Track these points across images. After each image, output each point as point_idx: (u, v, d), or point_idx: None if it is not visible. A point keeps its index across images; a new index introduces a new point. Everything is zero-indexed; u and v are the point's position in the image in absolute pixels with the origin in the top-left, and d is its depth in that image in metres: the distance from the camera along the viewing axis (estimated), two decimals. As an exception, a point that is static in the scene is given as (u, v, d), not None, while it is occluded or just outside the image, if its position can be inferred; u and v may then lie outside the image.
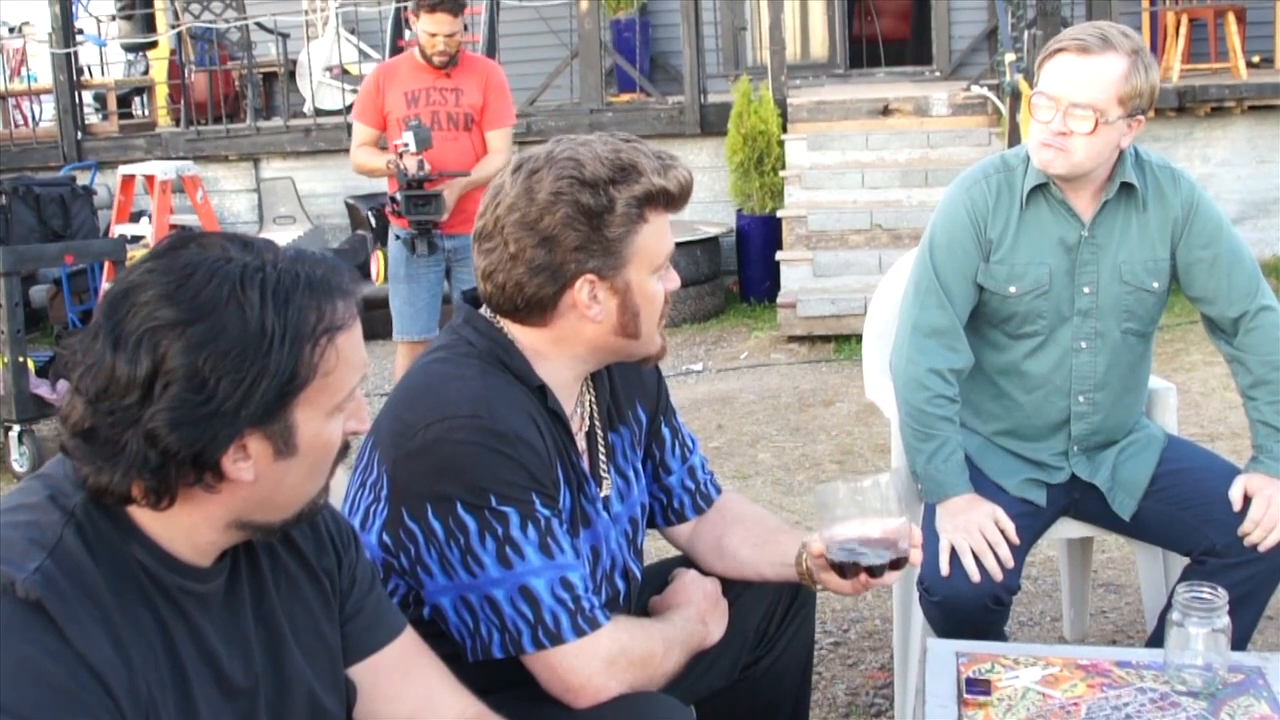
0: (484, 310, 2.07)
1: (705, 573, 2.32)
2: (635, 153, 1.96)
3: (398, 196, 5.49)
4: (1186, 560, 2.86)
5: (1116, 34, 2.68)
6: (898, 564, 2.04)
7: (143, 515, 1.45)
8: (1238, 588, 2.51)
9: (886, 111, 9.61)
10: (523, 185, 1.94)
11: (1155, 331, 2.96)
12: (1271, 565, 2.73)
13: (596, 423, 2.18)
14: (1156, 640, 2.83)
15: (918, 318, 2.86)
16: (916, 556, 2.07)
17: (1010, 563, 2.67)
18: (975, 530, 2.67)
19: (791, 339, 8.14)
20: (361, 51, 10.90)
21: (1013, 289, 2.83)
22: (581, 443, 2.12)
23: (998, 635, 2.75)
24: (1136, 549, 3.18)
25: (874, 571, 2.03)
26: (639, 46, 11.26)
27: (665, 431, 2.34)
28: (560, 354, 2.03)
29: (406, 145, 5.38)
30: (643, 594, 2.28)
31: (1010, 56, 8.74)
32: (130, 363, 1.37)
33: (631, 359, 2.10)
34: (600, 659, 1.90)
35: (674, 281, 2.07)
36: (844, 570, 2.05)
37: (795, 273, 8.50)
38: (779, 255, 8.67)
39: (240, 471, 1.43)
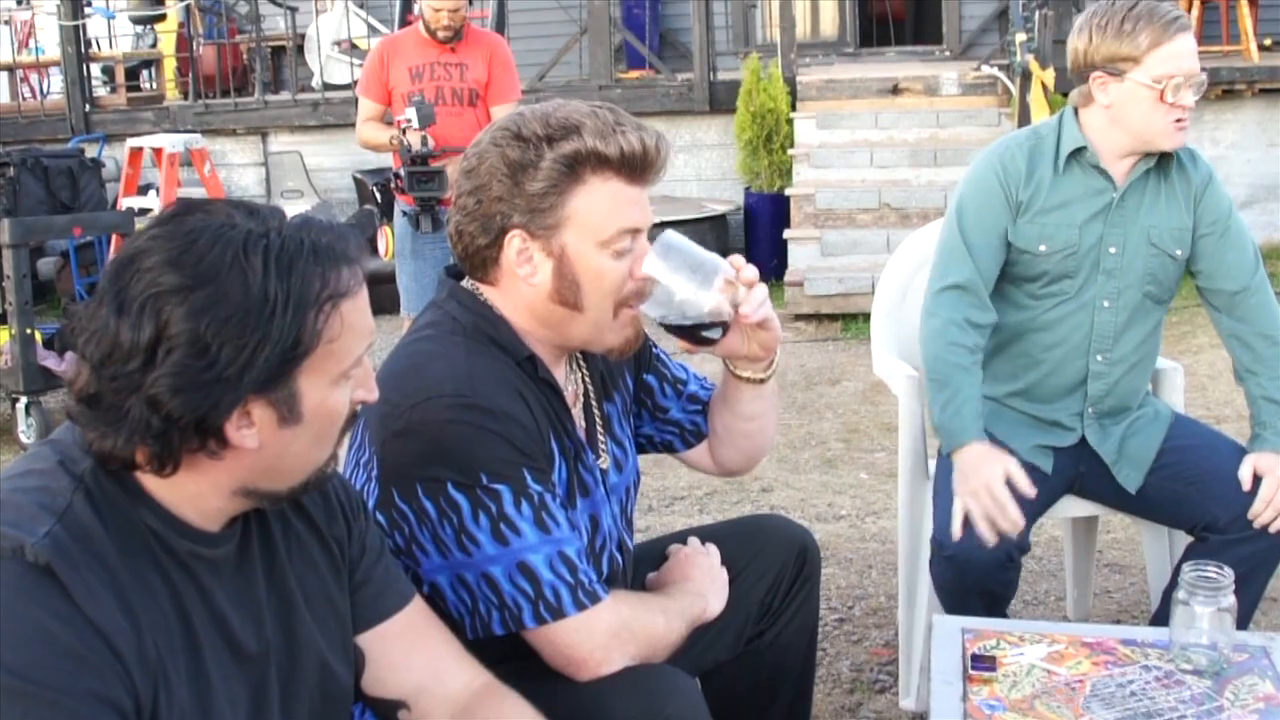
0: (466, 282, 2.06)
1: (723, 468, 2.38)
2: (588, 116, 1.92)
3: (401, 173, 5.48)
4: (1191, 539, 2.87)
5: None
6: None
7: (151, 481, 1.45)
8: (1240, 565, 2.52)
9: (896, 91, 9.58)
10: (480, 135, 1.98)
11: (1169, 303, 3.00)
12: (1273, 543, 2.75)
13: (591, 394, 2.17)
14: (1161, 618, 2.85)
15: (942, 275, 2.91)
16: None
17: (1021, 521, 2.64)
18: (984, 492, 2.65)
19: (798, 317, 8.13)
20: (370, 26, 10.86)
21: (1042, 247, 2.88)
22: (579, 415, 2.11)
23: (1006, 597, 2.79)
24: (1142, 528, 3.18)
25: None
26: (648, 23, 11.23)
27: (650, 379, 2.33)
28: (529, 321, 2.00)
29: (410, 121, 5.37)
30: (639, 570, 2.28)
31: (1021, 36, 8.70)
32: (133, 328, 1.37)
33: (589, 346, 2.06)
34: (602, 632, 1.90)
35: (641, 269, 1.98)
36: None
37: (803, 251, 8.50)
38: (787, 233, 8.66)
39: (244, 438, 1.43)
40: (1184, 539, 2.93)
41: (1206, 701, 2.11)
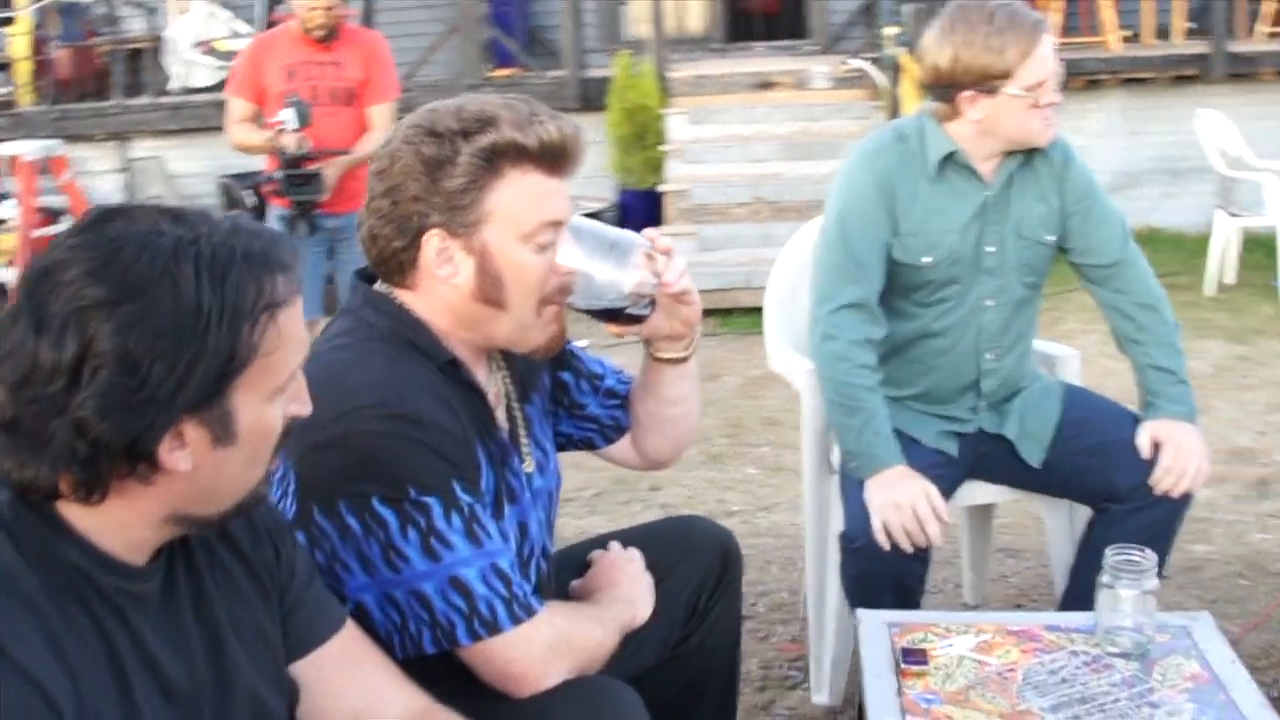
0: (379, 285, 1.98)
1: (648, 462, 2.35)
2: (503, 108, 1.87)
3: (277, 175, 5.34)
4: (1091, 514, 2.92)
5: None
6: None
7: (73, 512, 1.35)
8: (1144, 533, 2.59)
9: (767, 85, 9.63)
10: (389, 135, 1.91)
11: (1044, 285, 3.03)
12: (1172, 509, 2.81)
13: (512, 396, 2.11)
14: (1071, 599, 2.91)
15: (833, 294, 2.86)
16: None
17: (940, 542, 2.68)
18: (908, 507, 2.66)
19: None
20: (232, 28, 10.62)
21: (926, 259, 2.86)
22: (502, 417, 2.05)
23: (917, 590, 2.79)
24: (1042, 508, 3.22)
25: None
26: (516, 20, 11.14)
27: (566, 376, 2.27)
28: (447, 325, 1.93)
29: (285, 122, 5.23)
30: (560, 578, 2.23)
31: (893, 30, 8.81)
32: (55, 346, 1.27)
33: (512, 346, 2.00)
34: (540, 645, 1.84)
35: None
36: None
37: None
38: (662, 229, 8.62)
39: (177, 461, 1.34)
40: (1082, 519, 2.97)
41: (1137, 684, 2.13)
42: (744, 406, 6.15)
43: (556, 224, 1.91)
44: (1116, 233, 2.96)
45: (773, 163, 8.97)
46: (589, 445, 2.35)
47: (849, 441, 2.81)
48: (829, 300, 2.86)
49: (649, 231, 2.01)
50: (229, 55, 9.95)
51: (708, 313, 7.84)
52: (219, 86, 9.81)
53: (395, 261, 1.91)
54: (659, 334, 2.13)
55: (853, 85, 9.56)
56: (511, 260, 1.88)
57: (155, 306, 1.29)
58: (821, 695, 3.18)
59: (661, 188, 8.90)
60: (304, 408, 1.48)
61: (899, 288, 2.90)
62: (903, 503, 2.66)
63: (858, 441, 2.78)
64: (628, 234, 1.98)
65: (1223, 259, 7.82)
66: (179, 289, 1.30)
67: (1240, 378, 6.23)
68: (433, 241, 1.87)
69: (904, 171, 2.86)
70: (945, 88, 2.79)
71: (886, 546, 2.65)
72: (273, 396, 1.41)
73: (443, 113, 1.87)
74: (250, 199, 8.59)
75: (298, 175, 5.25)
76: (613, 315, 1.99)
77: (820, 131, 9.18)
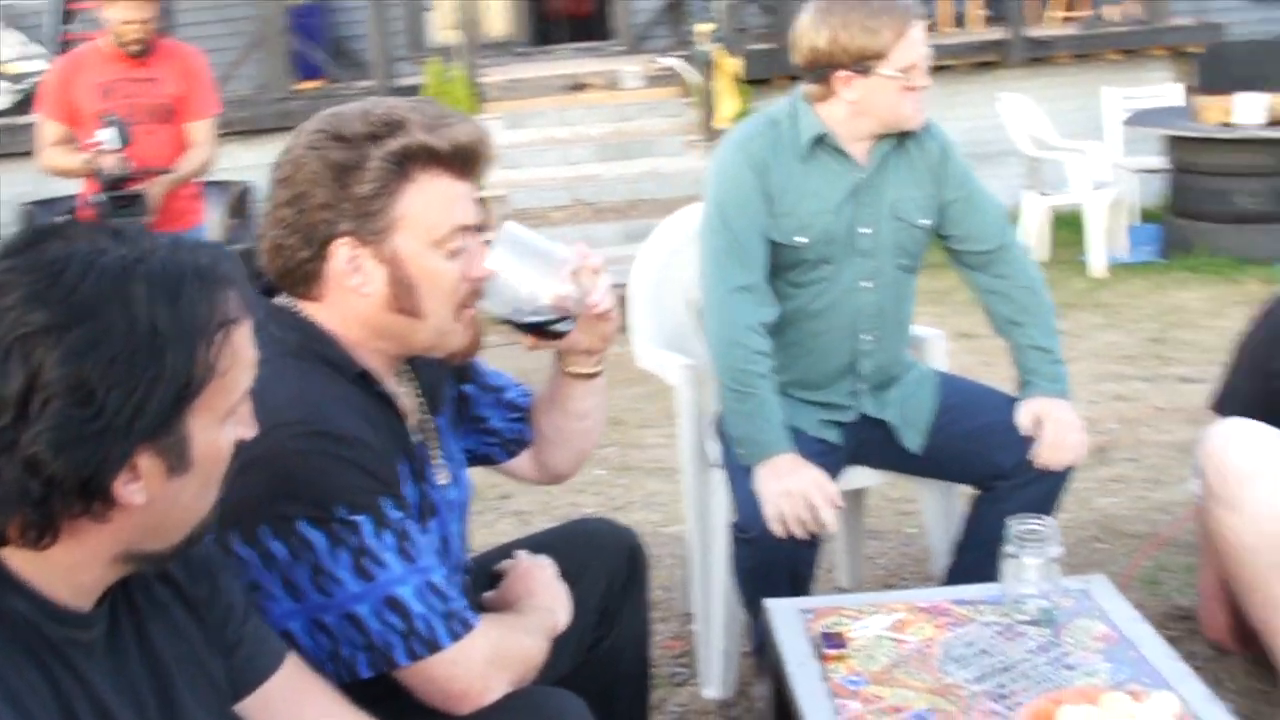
0: (281, 299, 1.91)
1: (553, 474, 2.31)
2: (411, 110, 1.82)
3: (98, 199, 5.11)
4: (963, 498, 2.97)
5: None
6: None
7: (17, 558, 1.26)
8: (1029, 506, 2.64)
9: (579, 87, 9.65)
10: (289, 142, 1.84)
11: (919, 268, 3.08)
12: (1055, 481, 2.90)
13: (423, 408, 2.05)
14: (956, 575, 2.96)
15: (723, 276, 2.88)
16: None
17: (833, 528, 2.71)
18: (799, 495, 2.68)
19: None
20: (22, 50, 10.19)
21: (800, 239, 2.89)
22: (415, 430, 2.00)
23: (809, 576, 2.82)
24: (921, 489, 3.27)
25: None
26: (320, 31, 10.93)
27: (469, 389, 2.23)
28: (358, 336, 1.87)
29: (105, 143, 5.01)
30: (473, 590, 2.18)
31: (707, 26, 8.88)
32: None
33: (432, 351, 1.95)
34: (479, 661, 1.80)
35: (478, 268, 1.90)
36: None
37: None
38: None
39: (131, 495, 1.26)
40: (957, 498, 3.03)
41: (1052, 649, 2.18)
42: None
43: (467, 228, 1.86)
44: (997, 218, 3.05)
45: (589, 164, 8.98)
46: (488, 460, 2.29)
47: (739, 427, 2.82)
48: (721, 283, 2.88)
49: (580, 245, 1.98)
50: (20, 78, 9.56)
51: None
52: (13, 110, 9.42)
53: (301, 273, 1.84)
54: (575, 349, 2.10)
55: (664, 83, 9.62)
56: (424, 267, 1.83)
57: (107, 330, 1.21)
58: (712, 689, 3.18)
59: (480, 194, 8.82)
60: (250, 430, 1.41)
61: (774, 267, 2.93)
62: (795, 490, 2.68)
63: (748, 427, 2.80)
64: (558, 247, 1.94)
65: (1034, 238, 8.06)
66: (131, 310, 1.22)
67: (1064, 351, 6.40)
68: (342, 251, 1.81)
69: (777, 154, 2.90)
70: (821, 68, 2.84)
71: (782, 535, 2.66)
72: (225, 419, 1.35)
73: (348, 117, 1.81)
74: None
75: (120, 197, 5.02)
76: (536, 329, 1.96)
77: (634, 130, 9.23)
